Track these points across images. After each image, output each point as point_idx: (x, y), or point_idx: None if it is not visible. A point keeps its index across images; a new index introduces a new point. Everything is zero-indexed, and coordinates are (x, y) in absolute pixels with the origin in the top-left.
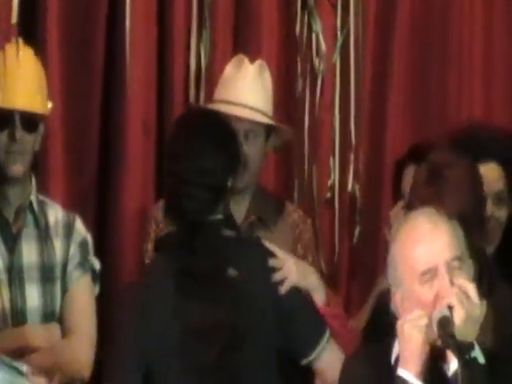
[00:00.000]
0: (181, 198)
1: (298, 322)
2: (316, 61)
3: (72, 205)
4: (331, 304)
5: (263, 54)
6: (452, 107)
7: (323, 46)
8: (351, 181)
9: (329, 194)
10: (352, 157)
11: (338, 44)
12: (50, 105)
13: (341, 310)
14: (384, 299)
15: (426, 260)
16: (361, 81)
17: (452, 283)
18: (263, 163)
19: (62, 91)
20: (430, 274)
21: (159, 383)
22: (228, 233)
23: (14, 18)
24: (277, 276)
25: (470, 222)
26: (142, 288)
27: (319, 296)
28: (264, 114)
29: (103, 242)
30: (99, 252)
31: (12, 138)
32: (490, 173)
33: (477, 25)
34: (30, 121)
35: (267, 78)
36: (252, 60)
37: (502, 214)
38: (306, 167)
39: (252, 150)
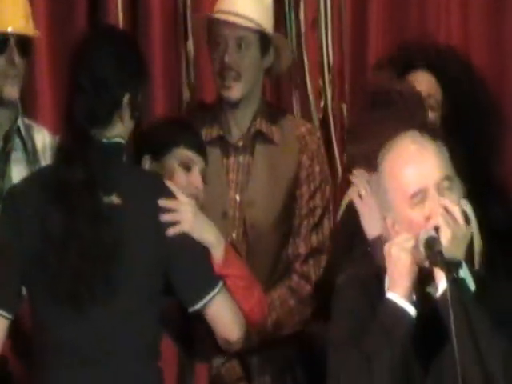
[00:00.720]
0: (72, 104)
1: (182, 268)
2: None
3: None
4: (232, 264)
5: None
6: (431, 28)
7: None
8: (336, 100)
9: (320, 116)
10: (330, 77)
11: None
12: (33, 27)
13: (247, 272)
14: (352, 210)
15: (416, 181)
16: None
17: (440, 204)
18: (260, 77)
19: (46, 14)
20: (420, 195)
21: (29, 293)
22: (119, 158)
23: None
24: (166, 217)
25: None
26: (9, 197)
27: (216, 253)
28: (258, 24)
29: None
30: None
31: (11, 62)
32: (421, 79)
33: None
34: (25, 45)
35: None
36: None
37: (432, 117)
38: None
39: (245, 60)
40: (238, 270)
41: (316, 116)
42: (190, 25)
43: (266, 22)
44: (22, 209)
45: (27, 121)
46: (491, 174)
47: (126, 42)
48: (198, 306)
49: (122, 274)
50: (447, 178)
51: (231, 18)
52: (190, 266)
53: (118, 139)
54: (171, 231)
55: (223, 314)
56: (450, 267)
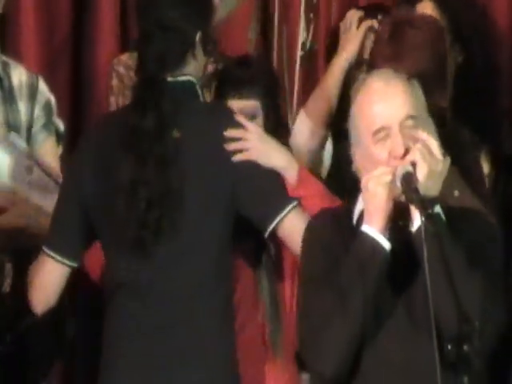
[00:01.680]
0: (142, 53)
1: (251, 191)
2: None
3: (45, 64)
4: (308, 185)
5: None
6: None
7: None
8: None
9: (300, 53)
10: (312, 15)
11: None
12: None
13: (325, 191)
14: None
15: (380, 119)
16: None
17: (415, 139)
18: None
19: None
20: (383, 132)
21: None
22: (192, 96)
23: None
24: (232, 145)
25: (430, 80)
26: (84, 138)
27: (289, 175)
28: None
29: (77, 103)
30: (74, 112)
31: None
32: (426, 10)
33: None
34: None
35: None
36: None
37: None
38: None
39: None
40: (315, 190)
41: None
42: None
43: None
44: (95, 155)
45: (4, 58)
46: (502, 103)
47: None
48: (271, 226)
49: (187, 218)
50: (411, 116)
51: None
52: (259, 189)
53: (188, 77)
54: (237, 158)
55: (298, 233)
56: (425, 204)
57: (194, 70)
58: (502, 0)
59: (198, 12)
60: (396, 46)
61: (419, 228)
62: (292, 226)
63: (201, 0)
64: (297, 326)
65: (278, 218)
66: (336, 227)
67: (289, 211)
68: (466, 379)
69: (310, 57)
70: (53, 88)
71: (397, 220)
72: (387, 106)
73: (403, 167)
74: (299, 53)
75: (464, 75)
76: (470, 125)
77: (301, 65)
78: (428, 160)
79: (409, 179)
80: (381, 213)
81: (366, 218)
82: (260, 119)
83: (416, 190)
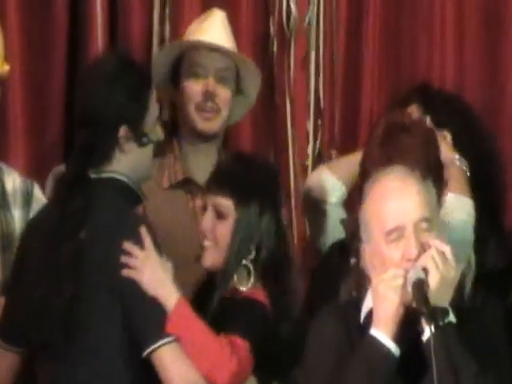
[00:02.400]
0: (69, 145)
1: (133, 313)
2: (289, 21)
3: (34, 168)
4: (183, 326)
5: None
6: (422, 69)
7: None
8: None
9: (308, 162)
10: (322, 121)
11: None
12: (7, 66)
13: (200, 335)
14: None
15: (394, 218)
16: (335, 41)
17: (428, 245)
18: (230, 115)
19: (21, 48)
20: (396, 233)
21: None
22: (113, 196)
23: None
24: (124, 258)
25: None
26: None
27: (167, 308)
28: (236, 56)
29: None
30: None
31: None
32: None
33: None
34: None
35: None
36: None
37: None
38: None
39: (225, 93)
40: (192, 331)
41: (297, 162)
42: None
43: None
44: (24, 247)
45: None
46: (494, 213)
47: (115, 67)
48: (144, 354)
49: (81, 325)
50: (426, 219)
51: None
52: (140, 313)
53: (113, 175)
54: (125, 272)
55: (167, 368)
56: (436, 315)
57: (124, 165)
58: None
59: (123, 103)
60: (388, 151)
61: (429, 339)
62: (160, 363)
63: (130, 90)
64: None
65: (147, 350)
66: (341, 323)
67: (159, 347)
68: None
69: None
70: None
71: (407, 324)
72: (402, 206)
73: (415, 272)
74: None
75: None
76: None
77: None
78: (440, 268)
79: (420, 286)
80: (391, 318)
81: (375, 321)
82: (230, 221)
83: (426, 300)
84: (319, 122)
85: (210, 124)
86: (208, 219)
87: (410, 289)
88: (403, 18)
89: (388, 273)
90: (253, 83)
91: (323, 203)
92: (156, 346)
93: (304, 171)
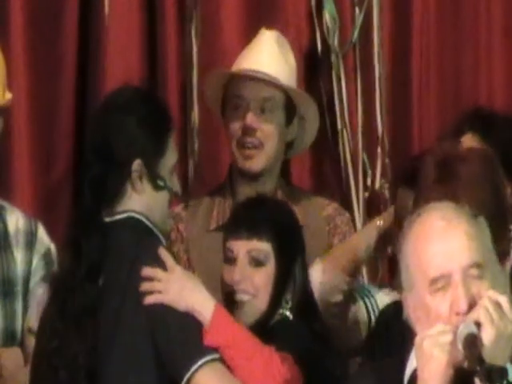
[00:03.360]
0: (81, 183)
1: (164, 341)
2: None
3: (40, 206)
4: (223, 331)
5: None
6: (468, 89)
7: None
8: (378, 178)
9: (366, 194)
10: (379, 150)
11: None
12: (9, 95)
13: (244, 341)
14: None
15: (438, 265)
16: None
17: (479, 295)
18: (283, 149)
19: (27, 79)
20: (442, 281)
21: None
22: (132, 235)
23: None
24: (145, 285)
25: (490, 220)
26: None
27: (202, 317)
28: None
29: None
30: None
31: None
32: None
33: None
34: None
35: (287, 48)
36: None
37: None
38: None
39: (269, 126)
40: (230, 339)
41: (359, 195)
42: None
43: (292, 84)
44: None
45: (0, 201)
46: None
47: (132, 98)
48: (184, 380)
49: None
50: (477, 264)
51: (254, 75)
52: (172, 339)
53: (129, 214)
54: (147, 301)
55: None
56: (493, 376)
57: (138, 206)
58: None
59: (138, 134)
60: (447, 186)
61: None
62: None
63: (146, 122)
64: None
65: (187, 374)
66: (381, 381)
67: (200, 366)
68: None
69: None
70: (52, 233)
71: None
72: (448, 250)
73: (466, 327)
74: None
75: None
76: None
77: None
78: (496, 321)
79: (472, 343)
80: (438, 380)
81: (419, 382)
82: (271, 264)
83: (481, 358)
84: (378, 150)
85: (252, 162)
86: (242, 268)
87: (460, 346)
88: (450, 35)
89: (434, 328)
90: (309, 109)
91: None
92: (196, 366)
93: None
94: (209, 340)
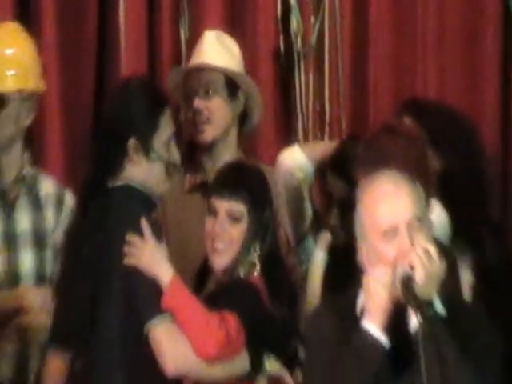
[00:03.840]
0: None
1: (133, 292)
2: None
3: (69, 177)
4: (177, 297)
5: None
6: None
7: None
8: None
9: None
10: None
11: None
12: (44, 84)
13: (193, 307)
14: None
15: (388, 219)
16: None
17: (412, 243)
18: (233, 123)
19: (58, 69)
20: (391, 232)
21: None
22: (128, 200)
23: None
24: (126, 248)
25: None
26: None
27: (162, 284)
28: (222, 68)
29: None
30: None
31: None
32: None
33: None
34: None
35: (228, 41)
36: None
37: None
38: None
39: (213, 103)
40: (183, 303)
41: None
42: None
43: (233, 67)
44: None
45: (33, 169)
46: (488, 212)
47: (135, 87)
48: (145, 330)
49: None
50: (418, 218)
51: (196, 66)
52: (138, 295)
53: (126, 182)
54: (126, 261)
55: (159, 346)
56: (422, 308)
57: (136, 175)
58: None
59: (134, 117)
60: (371, 154)
61: (416, 331)
62: (155, 338)
63: (143, 107)
64: None
65: (147, 326)
66: (337, 314)
67: (155, 323)
68: None
69: None
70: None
71: (397, 318)
72: (396, 207)
73: (403, 269)
74: None
75: (445, 185)
76: (455, 233)
77: None
78: (426, 265)
79: (407, 282)
80: (380, 312)
81: (366, 314)
82: (244, 222)
83: (414, 294)
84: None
85: (203, 135)
86: (221, 223)
87: (398, 285)
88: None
89: (378, 270)
90: (249, 86)
91: (293, 178)
92: (150, 324)
93: None
94: (164, 302)
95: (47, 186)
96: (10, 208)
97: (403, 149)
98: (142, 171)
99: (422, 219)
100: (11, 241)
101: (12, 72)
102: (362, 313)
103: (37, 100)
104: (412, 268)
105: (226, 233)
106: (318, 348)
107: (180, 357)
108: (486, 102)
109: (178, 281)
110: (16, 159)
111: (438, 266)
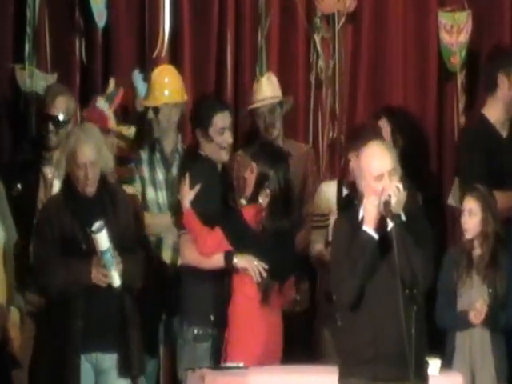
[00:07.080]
0: None
1: None
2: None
3: None
4: (188, 224)
5: None
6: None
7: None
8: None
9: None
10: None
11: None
12: (186, 96)
13: (198, 227)
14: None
15: (378, 169)
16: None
17: (390, 183)
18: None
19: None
20: (379, 177)
21: None
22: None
23: (163, 52)
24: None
25: None
26: None
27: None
28: (274, 97)
29: None
30: None
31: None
32: (383, 124)
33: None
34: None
35: (274, 80)
36: None
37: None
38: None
39: (277, 120)
40: (193, 228)
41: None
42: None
43: (279, 94)
44: None
45: (182, 145)
46: (428, 162)
47: None
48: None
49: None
50: (394, 169)
51: (262, 98)
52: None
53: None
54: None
55: (180, 251)
56: (395, 218)
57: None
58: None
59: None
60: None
61: (391, 229)
62: (180, 242)
63: None
64: (330, 277)
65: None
66: (350, 220)
67: (178, 235)
68: (414, 306)
69: None
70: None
71: (381, 223)
72: (382, 162)
73: (384, 197)
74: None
75: (404, 152)
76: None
77: None
78: (397, 195)
79: (387, 204)
80: (372, 220)
81: (364, 222)
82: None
83: (390, 210)
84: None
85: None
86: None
87: (382, 206)
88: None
89: (371, 198)
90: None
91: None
92: (179, 233)
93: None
94: (183, 223)
95: (173, 145)
96: (169, 166)
97: (379, 132)
98: None
99: (396, 169)
100: (170, 185)
101: (166, 92)
102: (362, 221)
103: (181, 107)
104: (389, 196)
105: (244, 181)
106: (339, 241)
107: (191, 251)
108: (429, 106)
109: (191, 212)
110: (172, 139)
111: (403, 195)
